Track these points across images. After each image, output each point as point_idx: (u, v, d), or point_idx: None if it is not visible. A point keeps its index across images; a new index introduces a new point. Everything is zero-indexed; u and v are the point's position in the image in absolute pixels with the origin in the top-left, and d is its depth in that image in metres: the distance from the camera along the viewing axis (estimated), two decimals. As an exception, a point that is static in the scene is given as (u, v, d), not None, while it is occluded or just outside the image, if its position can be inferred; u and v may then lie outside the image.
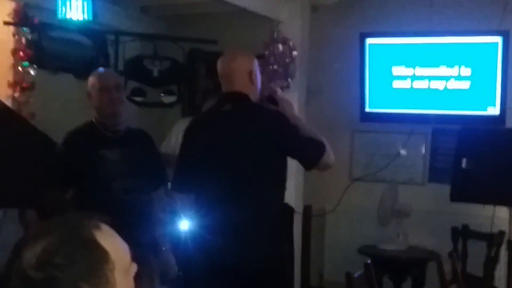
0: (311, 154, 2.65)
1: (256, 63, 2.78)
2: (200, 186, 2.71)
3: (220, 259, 2.60)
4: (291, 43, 4.46)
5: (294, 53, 4.46)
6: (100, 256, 1.04)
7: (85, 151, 3.04)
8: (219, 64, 2.76)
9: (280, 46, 4.44)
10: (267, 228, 2.64)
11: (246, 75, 2.70)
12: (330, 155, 2.65)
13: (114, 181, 3.05)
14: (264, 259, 2.60)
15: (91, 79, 3.11)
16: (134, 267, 1.13)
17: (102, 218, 1.10)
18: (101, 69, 3.51)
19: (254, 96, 2.73)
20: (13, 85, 4.16)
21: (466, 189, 3.95)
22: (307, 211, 4.82)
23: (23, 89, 4.18)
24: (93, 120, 3.11)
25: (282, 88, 4.44)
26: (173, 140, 4.04)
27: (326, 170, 2.82)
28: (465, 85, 4.32)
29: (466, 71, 4.31)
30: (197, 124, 2.87)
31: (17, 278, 1.01)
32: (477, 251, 4.05)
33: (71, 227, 1.06)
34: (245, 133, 2.63)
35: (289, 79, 4.45)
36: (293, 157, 2.70)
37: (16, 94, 4.17)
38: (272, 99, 2.85)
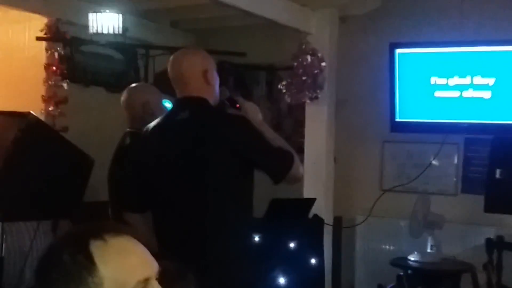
0: (279, 165, 2.35)
1: (211, 60, 2.48)
2: (157, 202, 2.43)
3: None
4: (319, 54, 4.45)
5: (323, 64, 4.45)
6: (85, 266, 1.00)
7: None
8: (169, 67, 2.45)
9: (309, 57, 4.43)
10: (232, 247, 2.36)
11: (200, 75, 2.40)
12: (299, 167, 2.38)
13: None
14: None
15: None
16: None
17: (127, 230, 1.06)
18: None
19: (213, 98, 2.43)
20: (47, 99, 4.26)
21: (500, 200, 3.87)
22: (337, 222, 4.77)
23: (56, 103, 4.27)
24: None
25: (311, 99, 4.44)
26: None
27: (295, 184, 2.51)
28: (498, 93, 4.25)
29: (499, 80, 4.24)
30: (149, 136, 2.49)
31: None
32: (512, 263, 3.97)
33: (73, 234, 1.06)
34: (204, 142, 2.32)
35: (318, 90, 4.44)
36: (258, 168, 2.38)
37: (50, 108, 4.26)
38: (232, 101, 2.52)
